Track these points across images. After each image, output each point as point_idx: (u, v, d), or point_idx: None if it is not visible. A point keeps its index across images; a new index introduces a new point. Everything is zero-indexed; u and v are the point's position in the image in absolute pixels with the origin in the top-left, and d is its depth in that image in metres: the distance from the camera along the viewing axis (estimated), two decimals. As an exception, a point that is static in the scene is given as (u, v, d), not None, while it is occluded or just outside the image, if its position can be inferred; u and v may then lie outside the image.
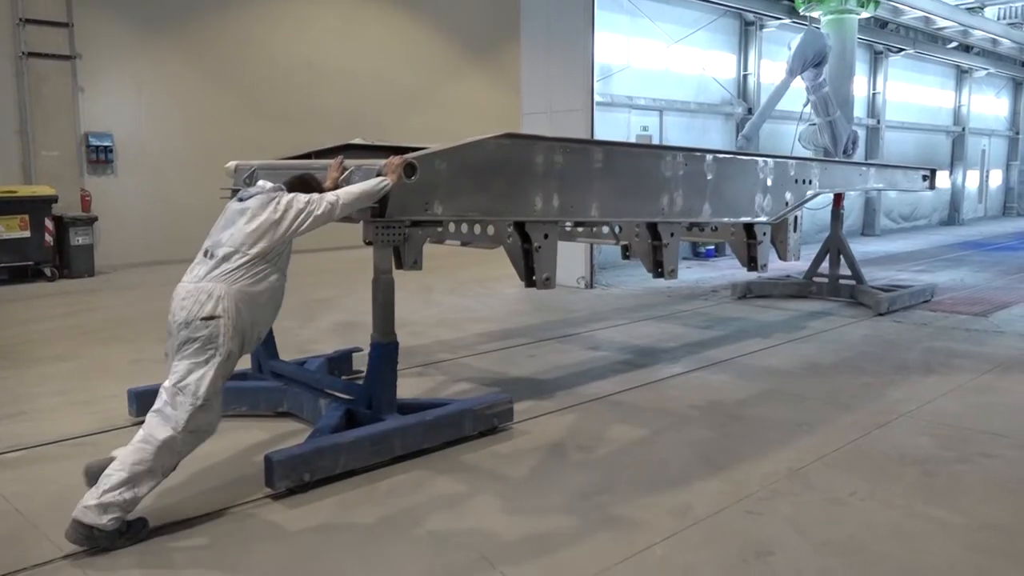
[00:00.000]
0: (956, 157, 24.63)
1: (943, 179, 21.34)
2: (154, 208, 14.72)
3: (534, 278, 5.30)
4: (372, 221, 4.60)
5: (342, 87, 17.24)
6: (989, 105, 26.43)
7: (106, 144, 14.02)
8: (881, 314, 9.42)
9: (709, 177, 6.44)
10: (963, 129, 24.65)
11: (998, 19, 21.19)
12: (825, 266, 10.57)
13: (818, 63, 13.16)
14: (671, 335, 8.42)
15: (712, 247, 14.66)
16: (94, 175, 14.04)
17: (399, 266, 4.98)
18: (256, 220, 3.96)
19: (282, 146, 16.55)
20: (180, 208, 15.01)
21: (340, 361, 6.56)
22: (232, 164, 5.55)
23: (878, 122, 20.89)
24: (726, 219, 6.86)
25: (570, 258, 11.59)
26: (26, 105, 13.16)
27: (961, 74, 24.52)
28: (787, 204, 7.49)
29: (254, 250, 3.92)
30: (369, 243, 4.69)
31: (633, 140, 13.76)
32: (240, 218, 3.99)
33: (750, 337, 8.31)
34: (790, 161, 7.74)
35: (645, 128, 14.28)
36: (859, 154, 17.86)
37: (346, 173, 4.65)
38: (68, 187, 13.35)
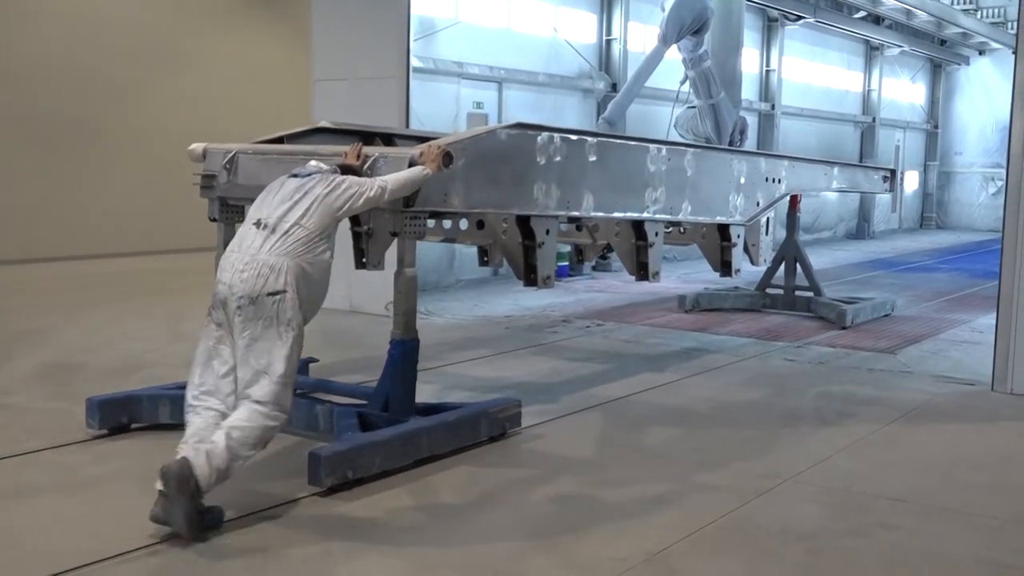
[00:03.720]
0: (866, 154, 26.46)
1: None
2: None
3: (534, 276, 6.46)
4: (402, 212, 5.66)
5: (66, 33, 16.49)
6: (904, 91, 28.70)
7: None
8: (845, 327, 10.99)
9: (688, 173, 7.70)
10: (873, 119, 26.62)
11: (913, -14, 22.92)
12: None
13: (697, 30, 13.85)
14: (513, 380, 8.50)
15: (566, 264, 15.00)
16: None
17: (360, 265, 6.37)
18: (314, 196, 5.19)
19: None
20: None
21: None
22: (199, 147, 6.51)
23: (772, 107, 22.22)
24: (704, 218, 8.17)
25: (373, 279, 11.47)
26: None
27: (871, 51, 26.52)
28: (759, 204, 8.71)
29: (314, 226, 5.11)
30: (394, 234, 5.84)
31: (464, 118, 13.97)
32: (299, 194, 5.21)
33: (609, 380, 8.56)
34: (761, 159, 9.11)
35: (479, 105, 14.50)
36: (748, 147, 18.88)
37: (370, 161, 5.71)
38: None
